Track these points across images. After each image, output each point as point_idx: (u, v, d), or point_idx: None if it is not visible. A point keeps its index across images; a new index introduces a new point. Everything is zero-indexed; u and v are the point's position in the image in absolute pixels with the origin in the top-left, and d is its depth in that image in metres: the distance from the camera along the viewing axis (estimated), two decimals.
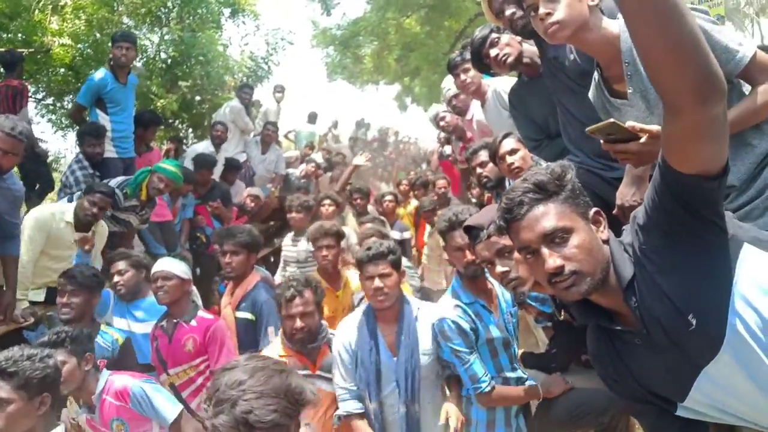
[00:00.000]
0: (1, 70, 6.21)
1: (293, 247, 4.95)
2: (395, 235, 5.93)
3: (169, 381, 3.23)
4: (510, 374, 2.66)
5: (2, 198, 3.50)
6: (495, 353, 2.63)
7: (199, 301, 3.69)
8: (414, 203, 6.99)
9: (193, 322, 3.22)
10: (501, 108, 3.92)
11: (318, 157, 9.86)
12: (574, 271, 1.31)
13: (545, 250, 1.34)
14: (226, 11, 9.72)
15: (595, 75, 1.97)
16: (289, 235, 5.16)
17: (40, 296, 3.97)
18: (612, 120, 1.68)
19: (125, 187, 4.60)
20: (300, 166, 9.05)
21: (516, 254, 2.07)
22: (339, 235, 3.93)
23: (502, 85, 3.88)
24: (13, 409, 2.00)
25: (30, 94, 7.31)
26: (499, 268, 2.08)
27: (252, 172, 7.74)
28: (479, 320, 2.58)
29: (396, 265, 2.70)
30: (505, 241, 2.07)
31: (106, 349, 3.16)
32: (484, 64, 3.20)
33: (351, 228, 5.59)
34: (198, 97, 9.00)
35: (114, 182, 4.62)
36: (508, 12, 2.42)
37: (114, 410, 2.59)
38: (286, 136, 11.12)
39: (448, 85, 4.90)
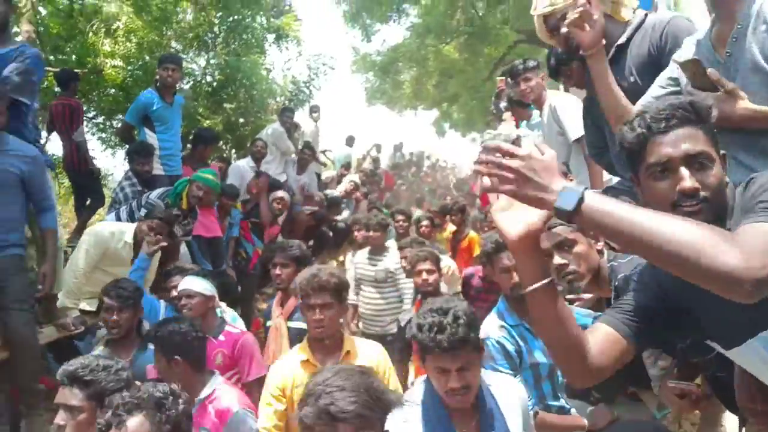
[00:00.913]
0: (57, 88, 6.48)
1: (371, 266, 4.85)
2: None
3: None
4: (552, 402, 2.57)
5: (19, 161, 3.39)
6: (538, 379, 2.55)
7: (227, 317, 3.71)
8: (451, 227, 6.94)
9: (221, 337, 3.25)
10: (553, 122, 4.06)
11: (355, 178, 9.95)
12: (706, 198, 1.30)
13: (685, 170, 1.32)
14: (270, 37, 10.04)
15: (709, 26, 1.94)
16: (362, 254, 5.07)
17: (93, 305, 4.06)
18: (697, 58, 1.65)
19: (166, 197, 4.73)
20: (338, 187, 9.14)
21: (577, 248, 1.97)
22: (340, 289, 2.61)
23: (559, 101, 4.08)
24: (83, 419, 1.95)
25: None
26: (557, 260, 1.96)
27: (291, 192, 7.85)
28: (524, 343, 2.52)
29: (477, 344, 1.88)
30: (567, 234, 1.98)
31: None
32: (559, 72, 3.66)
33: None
34: (241, 119, 9.24)
35: (155, 193, 4.74)
36: (564, 30, 2.35)
37: (208, 422, 2.51)
38: (323, 153, 11.26)
39: (487, 138, 5.18)
